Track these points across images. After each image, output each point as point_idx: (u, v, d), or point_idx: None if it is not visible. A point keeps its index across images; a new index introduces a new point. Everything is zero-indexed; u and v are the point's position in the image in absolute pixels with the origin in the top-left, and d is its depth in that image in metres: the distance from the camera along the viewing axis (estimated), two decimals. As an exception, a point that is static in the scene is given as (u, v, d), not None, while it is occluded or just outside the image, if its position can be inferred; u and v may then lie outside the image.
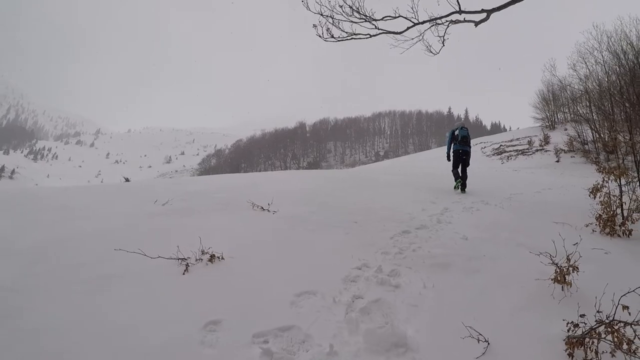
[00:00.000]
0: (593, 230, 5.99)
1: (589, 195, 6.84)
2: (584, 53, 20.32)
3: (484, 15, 5.55)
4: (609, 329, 2.64)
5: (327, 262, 4.19)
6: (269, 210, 6.25)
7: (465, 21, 5.71)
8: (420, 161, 27.91)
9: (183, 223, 5.41)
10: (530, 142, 24.59)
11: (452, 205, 7.41)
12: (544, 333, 2.99)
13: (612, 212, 5.99)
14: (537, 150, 22.33)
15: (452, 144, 9.22)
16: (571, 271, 3.72)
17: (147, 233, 4.95)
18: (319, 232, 5.23)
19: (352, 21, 6.01)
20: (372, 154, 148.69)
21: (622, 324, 2.64)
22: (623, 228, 5.78)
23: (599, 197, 6.64)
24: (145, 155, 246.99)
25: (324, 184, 9.67)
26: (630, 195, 6.65)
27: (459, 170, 9.07)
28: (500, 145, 26.54)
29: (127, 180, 14.68)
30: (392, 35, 6.10)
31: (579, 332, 2.83)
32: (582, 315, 2.90)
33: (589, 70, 20.22)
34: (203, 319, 2.88)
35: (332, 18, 6.03)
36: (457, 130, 9.21)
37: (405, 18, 5.87)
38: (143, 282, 3.50)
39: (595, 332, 2.70)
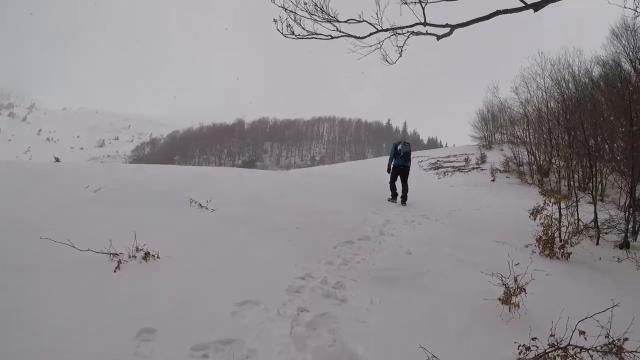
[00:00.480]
0: (533, 252, 6.60)
1: (529, 217, 7.54)
2: (527, 78, 22.96)
3: (447, 30, 5.94)
4: (564, 354, 2.87)
5: (270, 269, 4.16)
6: (207, 208, 6.19)
7: (427, 34, 6.08)
8: (360, 169, 28.89)
9: (116, 214, 5.24)
10: (467, 160, 26.76)
11: (394, 217, 7.78)
12: (495, 356, 3.18)
13: (551, 235, 6.66)
14: (473, 168, 24.34)
15: (394, 158, 9.91)
16: (519, 292, 4.03)
17: (76, 221, 4.72)
18: (261, 236, 5.23)
19: (315, 19, 6.21)
20: (308, 158, 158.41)
21: (578, 349, 2.88)
22: (562, 250, 6.45)
23: (539, 219, 7.40)
24: (78, 136, 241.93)
25: (265, 185, 9.96)
26: (569, 219, 7.53)
27: (396, 183, 9.92)
28: (437, 160, 28.54)
29: (57, 160, 14.64)
30: (352, 40, 6.39)
31: (531, 355, 3.05)
32: (534, 339, 3.12)
33: (530, 94, 22.72)
34: (136, 326, 2.67)
35: (295, 14, 6.22)
36: (400, 145, 9.92)
37: (369, 23, 6.18)
38: (68, 278, 3.26)
39: (548, 356, 2.92)
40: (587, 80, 21.20)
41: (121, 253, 3.73)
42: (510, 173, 21.85)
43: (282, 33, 6.20)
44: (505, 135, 33.41)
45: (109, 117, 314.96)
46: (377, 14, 6.00)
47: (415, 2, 5.74)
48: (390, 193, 9.99)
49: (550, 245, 6.57)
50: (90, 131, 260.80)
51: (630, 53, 18.99)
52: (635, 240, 7.89)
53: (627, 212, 8.24)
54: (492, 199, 13.83)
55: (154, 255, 3.85)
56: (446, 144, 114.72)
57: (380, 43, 6.38)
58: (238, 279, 3.81)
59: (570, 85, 20.83)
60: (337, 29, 6.12)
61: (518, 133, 23.98)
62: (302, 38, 6.18)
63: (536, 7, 5.08)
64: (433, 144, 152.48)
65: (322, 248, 5.14)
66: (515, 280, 4.16)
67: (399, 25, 6.01)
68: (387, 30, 6.09)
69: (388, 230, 6.67)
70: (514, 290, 4.07)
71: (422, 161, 29.78)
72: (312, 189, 10.68)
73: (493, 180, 20.54)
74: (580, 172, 18.57)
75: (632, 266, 6.56)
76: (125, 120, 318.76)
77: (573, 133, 20.15)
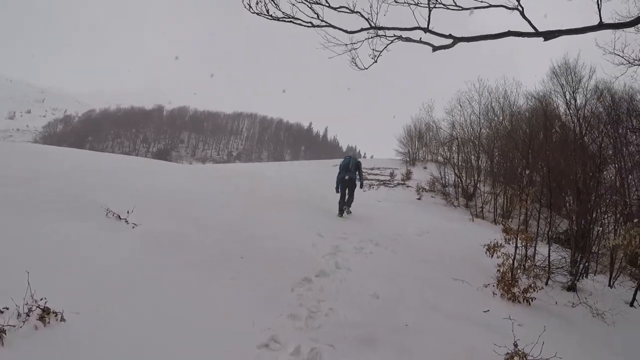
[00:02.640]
0: (494, 293, 6.54)
1: (486, 253, 7.53)
2: (463, 101, 24.24)
3: (449, 41, 5.53)
4: None
5: (221, 332, 3.35)
6: (128, 222, 5.04)
7: (421, 42, 5.62)
8: (285, 172, 28.30)
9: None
10: (392, 175, 27.40)
11: (341, 243, 7.31)
12: None
13: (513, 277, 6.61)
14: (398, 184, 24.92)
15: (340, 173, 10.78)
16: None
17: None
18: (199, 270, 4.35)
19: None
20: (225, 152, 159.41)
21: None
22: (524, 295, 6.40)
23: (497, 257, 7.38)
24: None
25: (191, 186, 9.09)
26: (522, 259, 7.60)
27: (344, 198, 10.58)
28: (363, 171, 28.79)
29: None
30: (329, 34, 5.68)
31: None
32: None
33: (464, 118, 23.91)
34: None
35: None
36: (342, 160, 11.00)
37: (363, 17, 5.49)
38: None
39: None
40: (518, 112, 22.90)
41: (5, 309, 2.61)
42: (435, 193, 22.62)
43: (250, 9, 5.30)
44: (429, 154, 34.97)
45: (24, 88, 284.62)
46: (371, 7, 5.39)
47: (418, 4, 5.24)
48: (338, 209, 10.46)
49: (511, 288, 6.49)
50: (2, 100, 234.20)
51: (567, 93, 20.76)
52: (578, 281, 8.16)
53: (574, 255, 8.62)
54: (426, 221, 13.92)
55: (56, 314, 2.73)
56: (364, 155, 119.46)
57: (369, 41, 5.80)
58: (177, 352, 2.98)
59: (503, 114, 22.24)
60: (318, 16, 5.37)
61: (447, 154, 24.97)
62: (276, 19, 5.35)
63: (546, 36, 4.89)
64: (351, 152, 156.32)
65: (278, 290, 4.47)
66: (515, 345, 3.85)
67: (397, 27, 5.46)
68: (382, 28, 5.50)
69: (342, 262, 6.15)
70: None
71: (345, 170, 29.90)
72: (248, 195, 10.00)
73: (419, 199, 21.04)
74: (502, 200, 19.67)
75: (588, 313, 6.71)
76: (42, 93, 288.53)
77: (498, 160, 21.58)
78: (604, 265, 9.43)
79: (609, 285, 9.25)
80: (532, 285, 6.50)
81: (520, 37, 5.08)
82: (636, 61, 9.14)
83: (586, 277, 8.37)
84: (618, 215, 12.09)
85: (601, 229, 9.43)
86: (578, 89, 20.59)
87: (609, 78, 20.50)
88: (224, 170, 18.63)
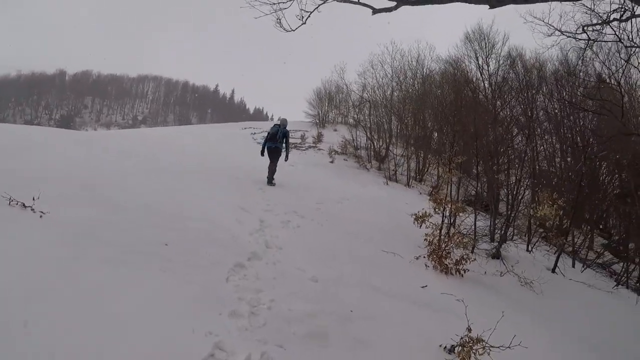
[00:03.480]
0: (426, 265, 6.54)
1: (414, 223, 7.43)
2: (375, 64, 24.26)
3: (392, 4, 5.10)
4: None
5: (153, 345, 2.70)
6: (33, 210, 4.00)
7: (360, 3, 5.13)
8: (195, 136, 26.46)
9: None
10: (303, 137, 26.91)
11: (266, 217, 6.87)
12: None
13: (444, 249, 6.56)
14: (310, 147, 24.53)
15: (266, 141, 10.75)
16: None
17: None
18: (120, 265, 3.57)
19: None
20: (130, 117, 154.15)
21: None
22: (457, 267, 6.38)
23: (426, 227, 7.31)
24: None
25: (98, 158, 8.23)
26: (449, 228, 7.64)
27: (272, 165, 10.49)
28: (272, 134, 28.05)
29: None
30: None
31: None
32: None
33: (376, 80, 23.98)
34: None
35: None
36: (271, 128, 10.90)
37: None
38: None
39: None
40: (430, 75, 23.53)
41: None
42: (347, 156, 22.61)
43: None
44: (339, 116, 35.06)
45: None
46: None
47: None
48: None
49: (443, 260, 6.45)
50: None
51: (479, 58, 21.56)
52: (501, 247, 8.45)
53: (494, 222, 8.91)
54: (343, 187, 13.78)
55: None
56: (272, 117, 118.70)
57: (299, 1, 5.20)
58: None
59: (415, 78, 22.72)
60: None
61: (358, 117, 25.01)
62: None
63: (493, 5, 4.60)
64: (259, 114, 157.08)
65: (213, 281, 3.88)
66: (469, 330, 3.68)
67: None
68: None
69: (271, 239, 5.72)
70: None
71: (255, 133, 28.90)
72: (164, 168, 8.96)
73: (332, 162, 20.90)
74: (415, 163, 20.24)
75: (516, 282, 6.93)
76: None
77: (410, 122, 22.13)
78: (521, 230, 9.85)
79: (527, 249, 9.77)
80: (465, 256, 6.51)
81: (467, 4, 4.77)
82: (566, 32, 9.35)
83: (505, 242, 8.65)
84: (527, 181, 12.91)
85: (519, 194, 9.77)
86: (491, 54, 21.48)
87: (522, 45, 21.75)
88: (133, 139, 16.83)
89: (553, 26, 9.66)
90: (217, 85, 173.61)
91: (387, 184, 16.97)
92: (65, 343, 2.38)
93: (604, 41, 8.97)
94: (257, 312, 3.54)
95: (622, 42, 7.81)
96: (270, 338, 3.17)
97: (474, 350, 3.61)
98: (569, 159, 16.36)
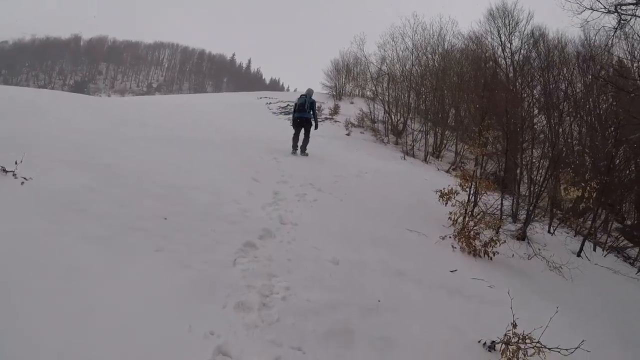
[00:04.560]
0: (453, 247, 5.90)
1: (439, 200, 6.81)
2: (396, 36, 22.98)
3: None
4: None
5: (140, 344, 2.14)
6: (16, 176, 3.40)
7: None
8: (209, 104, 25.80)
9: None
10: (319, 109, 26.08)
11: (281, 188, 6.24)
12: None
13: (472, 230, 5.94)
14: (326, 119, 23.76)
15: (294, 112, 10.57)
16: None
17: None
18: (111, 244, 2.99)
19: None
20: (144, 84, 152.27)
21: None
22: (485, 248, 5.77)
23: (452, 205, 6.67)
24: None
25: (101, 123, 7.56)
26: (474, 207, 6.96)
27: (298, 136, 10.34)
28: (288, 104, 27.19)
29: None
30: None
31: None
32: None
33: (397, 53, 22.88)
34: None
35: None
36: (298, 99, 10.59)
37: None
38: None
39: None
40: (451, 51, 22.44)
41: None
42: (364, 129, 21.84)
43: None
44: (357, 88, 34.07)
45: None
46: None
47: None
48: (291, 147, 10.28)
49: (472, 241, 5.81)
50: None
51: (502, 36, 20.42)
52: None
53: (518, 202, 8.21)
54: (362, 160, 13.09)
55: None
56: (288, 88, 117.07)
57: None
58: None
59: (436, 53, 21.69)
60: None
61: (377, 90, 24.04)
62: None
63: None
64: (275, 85, 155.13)
65: (217, 265, 3.25)
66: (514, 326, 3.10)
67: None
68: None
69: (286, 214, 5.07)
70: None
71: (270, 103, 28.15)
72: (169, 137, 8.18)
73: (348, 135, 20.20)
74: (432, 139, 19.43)
75: (545, 267, 6.30)
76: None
77: (429, 98, 21.22)
78: (542, 211, 9.13)
79: (549, 231, 9.09)
80: (495, 238, 5.86)
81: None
82: (599, 9, 8.51)
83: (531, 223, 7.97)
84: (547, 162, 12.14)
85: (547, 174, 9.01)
86: (514, 32, 20.38)
87: (545, 24, 20.66)
88: (144, 105, 16.17)
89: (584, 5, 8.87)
90: (233, 55, 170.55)
91: (405, 158, 16.22)
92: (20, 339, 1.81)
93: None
94: (269, 303, 2.93)
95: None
96: (286, 338, 2.57)
97: (523, 350, 3.01)
98: (596, 142, 15.43)
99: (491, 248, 5.80)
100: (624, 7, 8.37)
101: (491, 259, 5.80)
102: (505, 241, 6.08)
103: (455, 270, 4.91)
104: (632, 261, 10.27)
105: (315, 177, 7.69)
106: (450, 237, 6.03)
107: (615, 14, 8.43)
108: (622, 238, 11.92)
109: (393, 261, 4.59)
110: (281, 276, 3.37)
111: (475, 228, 6.04)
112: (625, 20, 8.58)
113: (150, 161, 5.61)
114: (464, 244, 5.86)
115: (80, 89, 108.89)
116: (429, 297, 3.96)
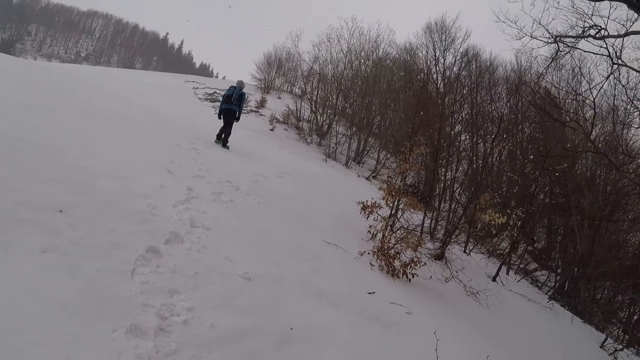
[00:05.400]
0: (372, 265, 5.73)
1: (361, 212, 6.63)
2: (333, 37, 22.87)
3: None
4: None
5: None
6: None
7: None
8: (137, 82, 23.92)
9: None
10: (246, 100, 25.38)
11: (195, 183, 5.64)
12: None
13: (392, 250, 5.81)
14: (251, 111, 23.14)
15: (223, 103, 10.30)
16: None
17: None
18: None
19: None
20: (73, 52, 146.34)
21: None
22: (404, 269, 5.66)
23: (374, 219, 6.52)
24: None
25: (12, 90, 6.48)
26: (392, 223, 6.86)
27: (225, 127, 10.10)
28: (215, 91, 26.21)
29: None
30: None
31: None
32: None
33: (331, 55, 22.82)
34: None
35: None
36: (227, 90, 10.44)
37: None
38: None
39: None
40: (386, 58, 22.77)
41: None
42: (289, 126, 21.55)
43: None
44: (286, 84, 33.72)
45: None
46: None
47: None
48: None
49: (392, 260, 5.66)
50: None
51: (437, 50, 21.07)
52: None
53: (450, 223, 8.28)
54: (284, 159, 12.71)
55: None
56: (217, 74, 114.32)
57: None
58: None
59: (369, 59, 21.90)
60: None
61: (307, 88, 23.80)
62: None
63: None
64: (204, 70, 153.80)
65: (112, 274, 2.77)
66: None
67: None
68: None
69: (198, 216, 4.52)
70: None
71: (197, 88, 26.97)
72: (74, 105, 7.28)
73: (272, 130, 19.81)
74: (356, 144, 19.57)
75: (462, 292, 6.32)
76: None
77: (357, 103, 21.35)
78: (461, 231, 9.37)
79: (464, 251, 9.31)
80: (415, 259, 5.74)
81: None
82: (539, 38, 8.94)
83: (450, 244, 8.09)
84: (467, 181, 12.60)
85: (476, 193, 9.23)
86: (450, 49, 21.07)
87: (482, 44, 21.75)
88: (63, 73, 14.44)
89: (524, 32, 9.25)
90: (166, 34, 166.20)
91: (327, 161, 16.15)
92: None
93: (591, 52, 8.63)
94: (168, 328, 2.49)
95: (610, 57, 7.46)
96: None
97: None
98: (516, 167, 16.34)
99: (410, 269, 5.69)
100: (564, 39, 8.82)
101: (409, 280, 5.70)
102: (425, 263, 5.98)
103: (374, 293, 4.70)
104: (540, 285, 10.94)
105: (234, 173, 7.18)
106: (368, 253, 5.85)
107: (555, 44, 8.86)
108: (531, 260, 12.73)
109: (312, 278, 4.30)
110: (185, 293, 2.92)
111: (396, 246, 5.92)
112: (563, 51, 9.04)
113: (56, 136, 4.79)
114: (383, 262, 5.70)
115: (6, 48, 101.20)
116: (346, 323, 3.71)
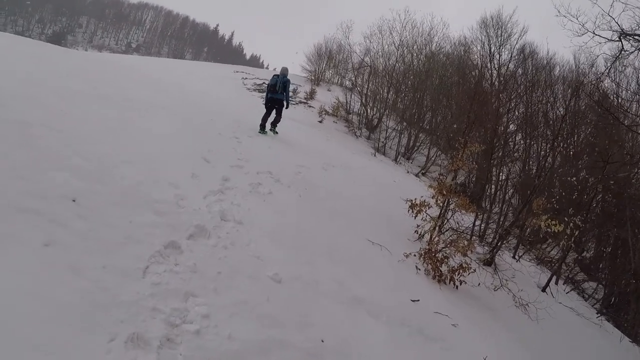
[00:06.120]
0: (417, 269, 5.21)
1: (409, 211, 6.12)
2: (384, 29, 22.08)
3: None
4: None
5: None
6: None
7: None
8: (188, 72, 24.23)
9: None
10: (295, 91, 25.04)
11: (233, 174, 5.26)
12: None
13: (440, 255, 5.28)
14: (301, 102, 22.86)
15: (267, 93, 10.18)
16: None
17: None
18: None
19: None
20: (124, 43, 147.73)
21: None
22: (452, 275, 5.14)
23: (422, 219, 6.02)
24: None
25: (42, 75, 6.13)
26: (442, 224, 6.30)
27: (268, 116, 9.88)
28: (264, 82, 26.02)
29: None
30: None
31: None
32: None
33: (382, 47, 22.09)
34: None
35: None
36: (270, 79, 10.23)
37: None
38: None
39: None
40: (438, 52, 21.86)
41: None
42: (338, 118, 21.06)
43: None
44: (336, 76, 33.30)
45: None
46: None
47: None
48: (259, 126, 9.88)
49: (439, 265, 5.15)
50: None
51: (492, 46, 20.02)
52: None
53: (502, 227, 7.64)
54: (331, 151, 12.29)
55: None
56: (267, 66, 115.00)
57: None
58: None
59: (422, 53, 21.11)
60: None
61: (357, 81, 23.19)
62: None
63: None
64: (255, 61, 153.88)
65: (119, 272, 2.41)
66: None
67: None
68: None
69: (230, 208, 4.14)
70: None
71: (246, 79, 26.87)
72: (107, 91, 6.93)
73: (321, 122, 19.42)
74: (406, 139, 18.86)
75: (511, 302, 5.70)
76: None
77: (408, 97, 20.58)
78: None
79: (513, 257, 8.62)
80: (465, 265, 5.19)
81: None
82: (601, 35, 8.01)
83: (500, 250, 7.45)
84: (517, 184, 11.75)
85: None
86: (505, 44, 19.94)
87: (538, 40, 20.47)
88: (109, 62, 14.63)
89: (586, 28, 8.36)
90: (217, 26, 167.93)
91: (375, 155, 15.58)
92: None
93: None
94: (176, 338, 2.12)
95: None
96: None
97: None
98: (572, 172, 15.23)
99: (459, 276, 5.16)
100: (628, 37, 7.89)
101: (457, 287, 5.17)
102: (475, 270, 5.40)
103: (418, 301, 4.22)
104: (587, 296, 10.07)
105: (276, 164, 6.81)
106: (414, 255, 5.34)
107: (619, 42, 7.95)
108: (579, 269, 11.77)
109: (350, 282, 3.86)
110: (203, 297, 2.54)
111: (444, 250, 5.40)
112: (627, 51, 8.10)
113: (83, 122, 4.50)
114: (430, 266, 5.19)
115: (58, 40, 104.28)
116: (386, 338, 3.26)
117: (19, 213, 2.40)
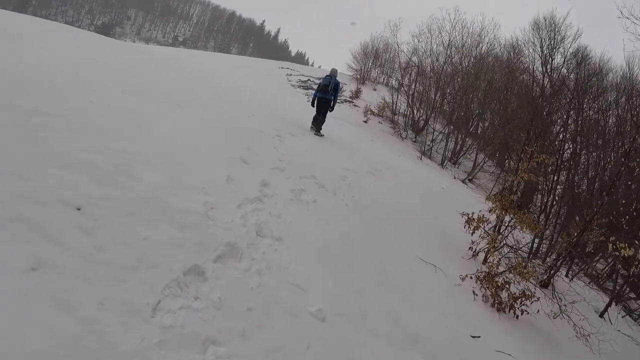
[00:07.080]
0: (475, 294, 4.54)
1: (465, 226, 5.50)
2: (433, 29, 20.85)
3: None
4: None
5: None
6: None
7: None
8: (233, 67, 24.07)
9: None
10: (340, 90, 24.60)
11: (273, 178, 4.65)
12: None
13: (501, 280, 4.64)
14: (346, 101, 22.32)
15: (317, 92, 10.09)
16: None
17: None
18: None
19: None
20: (171, 36, 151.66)
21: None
22: (512, 302, 4.50)
23: (480, 236, 5.40)
24: None
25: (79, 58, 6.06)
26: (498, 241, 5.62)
27: (319, 116, 9.91)
28: (309, 79, 25.62)
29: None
30: None
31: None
32: None
33: (431, 47, 21.05)
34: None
35: None
36: (322, 79, 10.19)
37: None
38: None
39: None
40: (488, 55, 20.73)
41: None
42: (383, 119, 20.39)
43: None
44: (382, 75, 32.45)
45: None
46: None
47: None
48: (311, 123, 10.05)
49: (499, 291, 4.53)
50: None
51: (545, 49, 18.71)
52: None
53: (562, 247, 6.86)
54: (377, 153, 11.68)
55: None
56: (313, 63, 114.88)
57: None
58: None
59: (470, 55, 20.05)
60: None
61: (404, 81, 22.32)
62: None
63: None
64: (300, 58, 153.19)
65: (119, 312, 1.84)
66: None
67: None
68: None
69: (268, 218, 3.57)
70: None
71: (291, 75, 26.48)
72: (142, 81, 6.71)
73: (366, 122, 18.84)
74: (453, 143, 17.95)
75: (572, 332, 4.97)
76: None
77: (457, 100, 19.61)
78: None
79: (566, 275, 7.83)
80: (528, 293, 4.55)
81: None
82: None
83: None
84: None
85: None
86: (559, 48, 18.51)
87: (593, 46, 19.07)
88: (153, 54, 14.44)
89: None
90: (263, 21, 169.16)
91: (421, 159, 14.84)
92: None
93: None
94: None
95: None
96: None
97: None
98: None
99: (521, 304, 4.52)
100: None
101: (517, 317, 4.53)
102: (538, 298, 4.73)
103: (479, 337, 3.64)
104: (636, 316, 9.18)
105: (320, 167, 6.25)
106: (471, 278, 4.74)
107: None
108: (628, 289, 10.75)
109: (404, 315, 3.24)
110: (226, 344, 1.98)
111: (504, 274, 4.78)
112: None
113: (106, 115, 3.96)
114: (489, 292, 4.57)
115: (106, 31, 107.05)
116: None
117: (8, 223, 1.91)
